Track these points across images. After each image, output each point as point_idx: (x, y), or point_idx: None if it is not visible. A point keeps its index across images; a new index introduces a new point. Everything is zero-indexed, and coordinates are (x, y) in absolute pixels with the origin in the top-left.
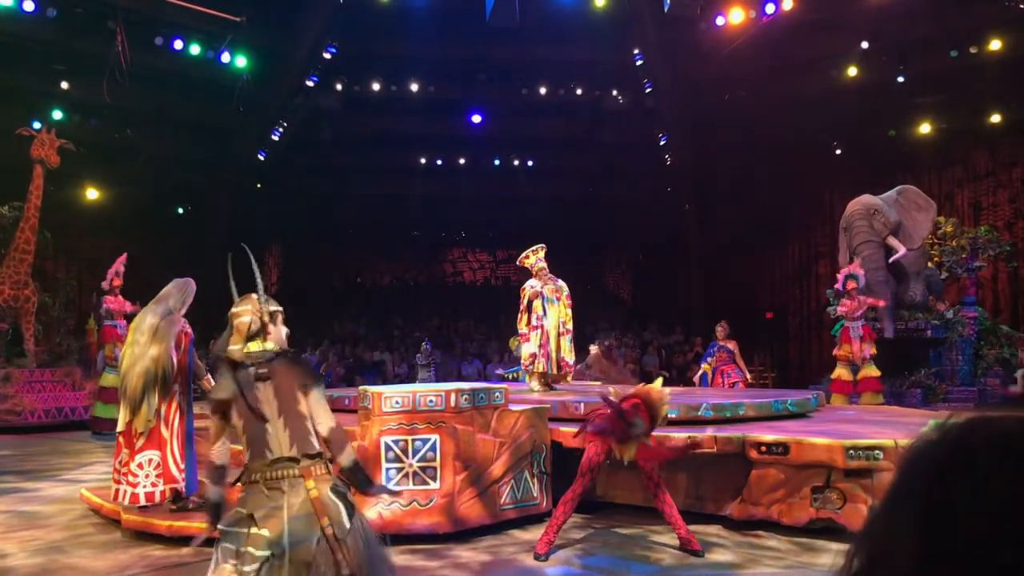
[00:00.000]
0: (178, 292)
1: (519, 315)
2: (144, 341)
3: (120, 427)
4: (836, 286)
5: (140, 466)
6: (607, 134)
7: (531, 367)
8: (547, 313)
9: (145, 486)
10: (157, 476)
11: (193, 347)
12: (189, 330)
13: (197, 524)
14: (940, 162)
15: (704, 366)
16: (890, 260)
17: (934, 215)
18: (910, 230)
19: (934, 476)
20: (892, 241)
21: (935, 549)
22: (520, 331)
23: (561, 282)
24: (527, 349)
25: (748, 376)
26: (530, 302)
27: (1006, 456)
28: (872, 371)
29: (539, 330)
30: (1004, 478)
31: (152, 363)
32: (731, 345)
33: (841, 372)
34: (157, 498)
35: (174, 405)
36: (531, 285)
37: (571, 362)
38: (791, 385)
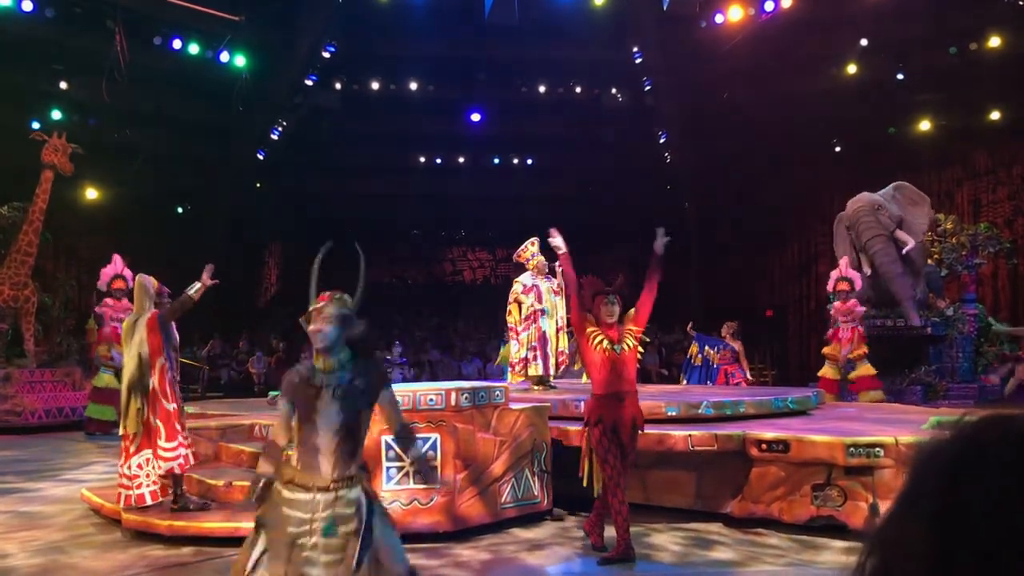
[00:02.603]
0: (146, 294)
1: (508, 311)
2: (126, 349)
3: (120, 432)
4: (828, 287)
5: (140, 466)
6: (606, 133)
7: (522, 370)
8: (547, 314)
9: (148, 485)
10: (149, 470)
11: (160, 318)
12: (153, 311)
13: (197, 524)
14: (940, 160)
15: (708, 350)
16: (903, 252)
17: (928, 209)
18: (910, 224)
19: (948, 476)
20: (900, 234)
21: (950, 551)
22: (509, 325)
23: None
24: (516, 352)
25: (750, 376)
26: (517, 302)
27: (1022, 455)
28: (866, 370)
29: (528, 332)
30: (1020, 478)
31: (133, 366)
32: (736, 345)
33: (827, 371)
34: (159, 494)
35: (156, 393)
36: (523, 283)
37: (566, 351)
38: (791, 383)
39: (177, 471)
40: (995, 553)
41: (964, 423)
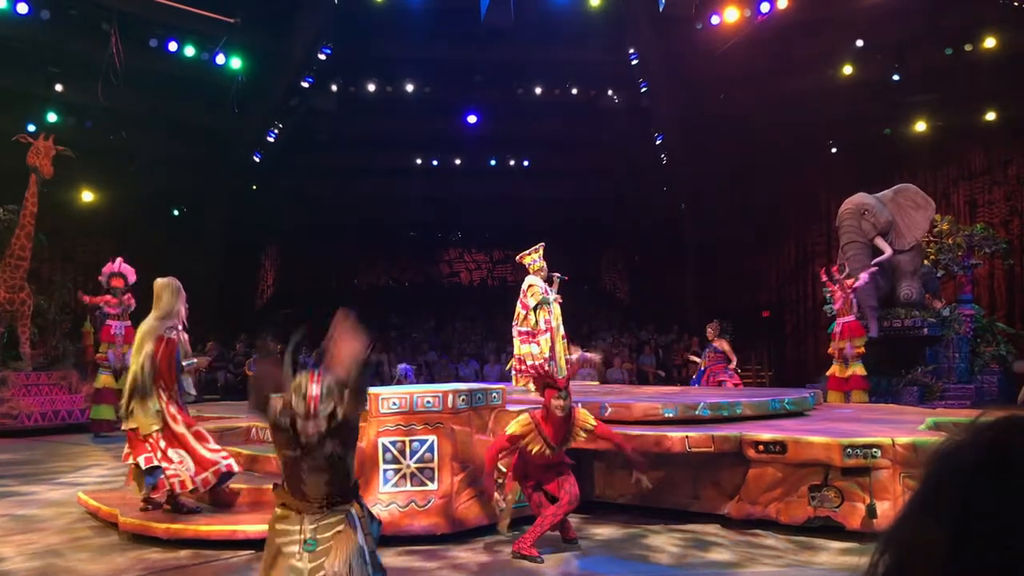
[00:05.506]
0: (168, 294)
1: (525, 313)
2: (136, 347)
3: (125, 427)
4: (834, 271)
5: (176, 459)
6: (603, 134)
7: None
8: (552, 315)
9: (191, 471)
10: (196, 467)
11: (178, 349)
12: (173, 336)
13: (195, 527)
14: (935, 160)
15: (701, 361)
16: (872, 262)
17: (932, 213)
18: (903, 229)
19: (967, 478)
20: (879, 242)
21: (967, 554)
22: (521, 329)
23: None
24: (535, 350)
25: (722, 377)
26: (539, 305)
27: None
28: (858, 369)
29: (548, 334)
30: None
31: (138, 368)
32: (720, 344)
33: (834, 369)
34: (210, 480)
35: (171, 404)
36: (542, 288)
37: (571, 359)
38: (788, 384)
39: (178, 488)
40: (1016, 559)
41: (981, 424)
